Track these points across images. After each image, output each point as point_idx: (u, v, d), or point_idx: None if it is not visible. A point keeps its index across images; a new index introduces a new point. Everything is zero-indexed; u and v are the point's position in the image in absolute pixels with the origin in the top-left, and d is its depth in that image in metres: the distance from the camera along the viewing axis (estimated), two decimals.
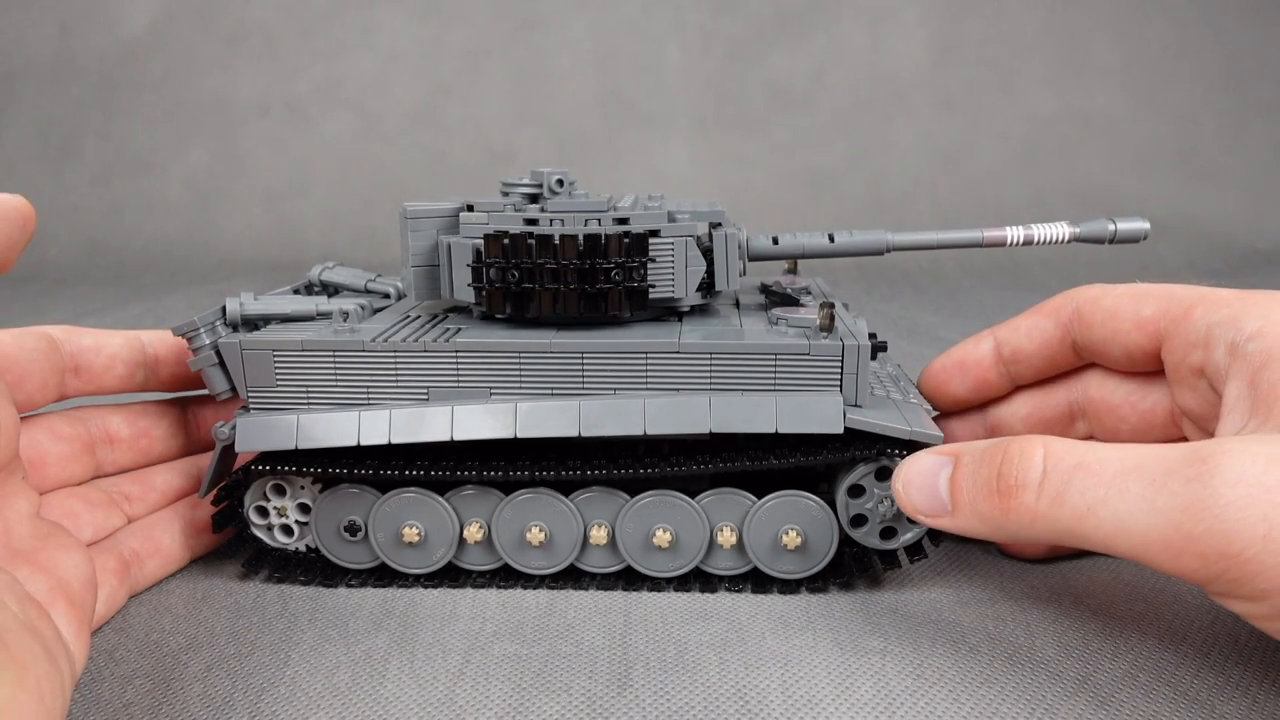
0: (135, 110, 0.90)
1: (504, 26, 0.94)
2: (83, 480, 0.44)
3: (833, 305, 0.40)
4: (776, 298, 0.50)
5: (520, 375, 0.41)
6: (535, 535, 0.42)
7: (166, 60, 0.92)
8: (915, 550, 0.42)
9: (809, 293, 0.52)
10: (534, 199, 0.46)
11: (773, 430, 0.40)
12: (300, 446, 0.41)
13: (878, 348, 0.41)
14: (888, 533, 0.41)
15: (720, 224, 0.45)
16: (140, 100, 0.90)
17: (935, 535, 0.42)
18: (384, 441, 0.41)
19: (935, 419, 0.45)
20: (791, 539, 0.41)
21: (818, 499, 0.41)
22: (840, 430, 0.39)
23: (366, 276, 0.53)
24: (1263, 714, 0.34)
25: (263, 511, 0.43)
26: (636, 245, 0.41)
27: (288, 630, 0.40)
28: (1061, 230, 0.45)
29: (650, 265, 0.42)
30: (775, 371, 0.40)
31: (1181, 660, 0.37)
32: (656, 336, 0.41)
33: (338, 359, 0.41)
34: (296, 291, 0.51)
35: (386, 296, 0.51)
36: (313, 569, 0.44)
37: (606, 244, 0.41)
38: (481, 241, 0.42)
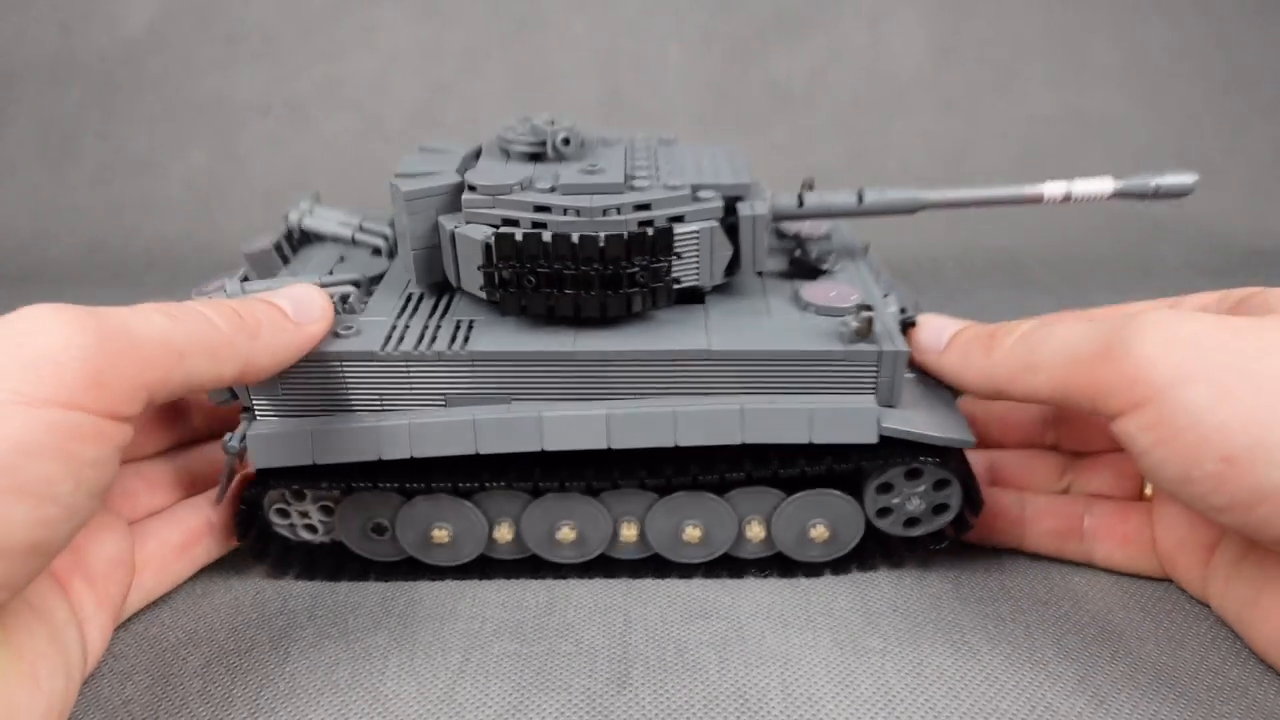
0: (135, 110, 0.90)
1: (504, 26, 0.94)
2: (155, 452, 0.43)
3: (871, 310, 0.38)
4: (800, 266, 0.46)
5: (541, 381, 0.39)
6: (566, 534, 0.42)
7: (166, 60, 0.92)
8: (936, 538, 0.42)
9: (830, 247, 0.48)
10: (536, 156, 0.43)
11: (806, 441, 0.39)
12: (318, 462, 0.39)
13: (906, 324, 0.41)
14: (911, 521, 0.42)
15: (745, 196, 0.41)
16: (140, 100, 0.90)
17: (959, 524, 0.42)
18: (406, 456, 0.39)
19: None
20: (819, 533, 0.41)
21: (845, 494, 0.41)
22: (874, 440, 0.39)
23: (353, 223, 0.48)
24: (1262, 714, 0.34)
25: (283, 513, 0.42)
26: (662, 240, 0.38)
27: (287, 627, 0.40)
28: (1103, 185, 0.43)
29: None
30: (808, 373, 0.39)
31: (1180, 663, 0.37)
32: (683, 335, 0.39)
33: (346, 368, 0.38)
34: (278, 248, 0.47)
35: (377, 253, 0.47)
36: (340, 564, 0.43)
37: (629, 244, 0.38)
38: (491, 239, 0.38)
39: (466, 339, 0.39)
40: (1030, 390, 0.36)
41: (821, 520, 0.42)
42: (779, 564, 0.43)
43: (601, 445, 0.39)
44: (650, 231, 0.38)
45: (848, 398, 0.39)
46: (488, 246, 0.38)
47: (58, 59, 0.91)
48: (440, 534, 0.41)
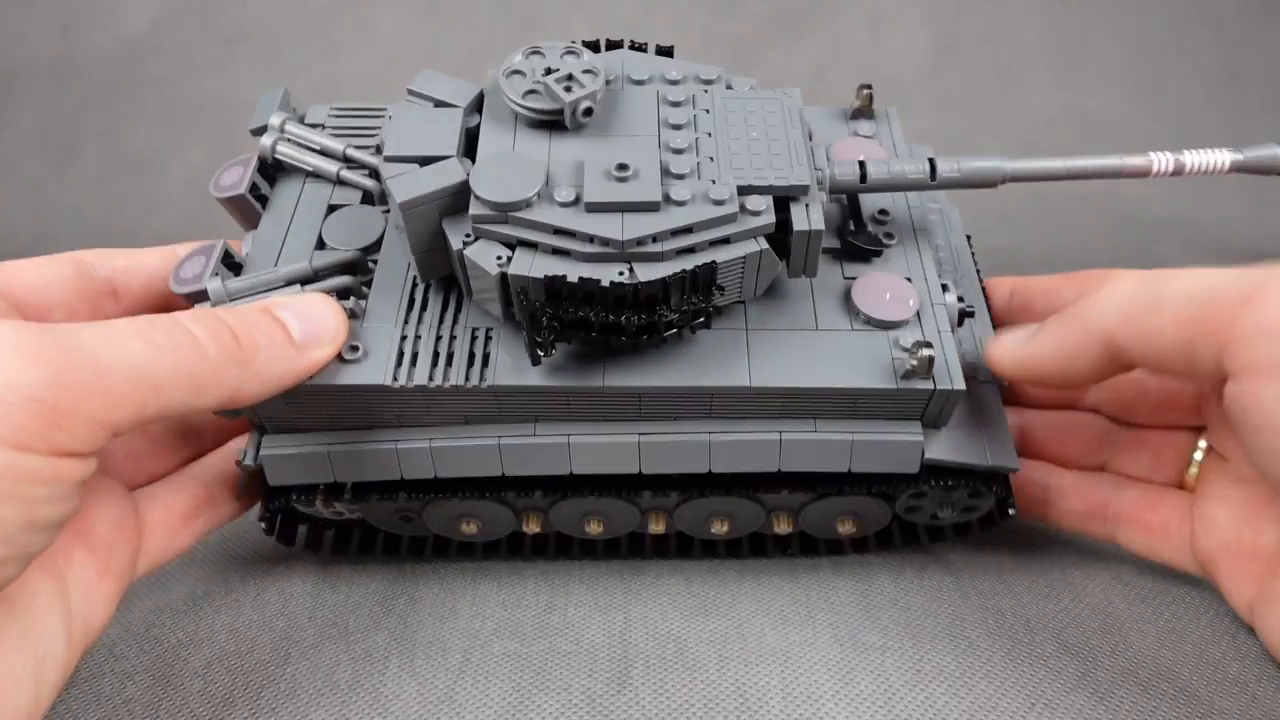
0: (135, 110, 0.90)
1: (504, 26, 0.94)
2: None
3: (930, 348, 0.34)
4: (851, 247, 0.40)
5: (569, 410, 0.36)
6: (594, 528, 0.42)
7: (166, 60, 0.92)
8: (963, 529, 0.43)
9: (885, 214, 0.42)
10: (550, 124, 0.36)
11: (845, 470, 0.37)
12: (338, 480, 0.38)
13: (964, 314, 0.38)
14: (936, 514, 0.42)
15: (799, 197, 0.34)
16: (140, 100, 0.90)
17: (985, 522, 0.42)
18: (429, 477, 0.37)
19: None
20: (847, 528, 0.42)
21: (876, 497, 0.41)
22: (915, 471, 0.37)
23: (337, 151, 0.42)
24: (1261, 710, 0.34)
25: (308, 503, 0.41)
26: (705, 277, 0.33)
27: (287, 627, 0.40)
28: (1220, 158, 0.38)
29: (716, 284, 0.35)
30: (855, 405, 0.36)
31: (1180, 657, 0.37)
32: (722, 367, 0.36)
33: (355, 398, 0.35)
34: (253, 189, 0.42)
35: (369, 200, 0.42)
36: (371, 540, 0.44)
37: (667, 286, 0.32)
38: (511, 285, 0.33)
39: (485, 362, 0.35)
40: (1151, 331, 0.31)
41: (850, 516, 0.42)
42: (801, 543, 0.44)
43: (632, 470, 0.37)
44: (691, 269, 0.32)
45: (893, 425, 0.36)
46: (503, 278, 0.33)
47: (58, 59, 0.91)
48: (469, 528, 0.42)
